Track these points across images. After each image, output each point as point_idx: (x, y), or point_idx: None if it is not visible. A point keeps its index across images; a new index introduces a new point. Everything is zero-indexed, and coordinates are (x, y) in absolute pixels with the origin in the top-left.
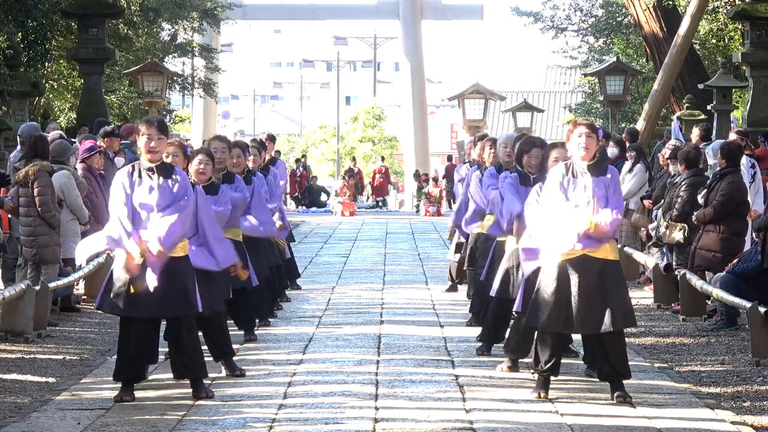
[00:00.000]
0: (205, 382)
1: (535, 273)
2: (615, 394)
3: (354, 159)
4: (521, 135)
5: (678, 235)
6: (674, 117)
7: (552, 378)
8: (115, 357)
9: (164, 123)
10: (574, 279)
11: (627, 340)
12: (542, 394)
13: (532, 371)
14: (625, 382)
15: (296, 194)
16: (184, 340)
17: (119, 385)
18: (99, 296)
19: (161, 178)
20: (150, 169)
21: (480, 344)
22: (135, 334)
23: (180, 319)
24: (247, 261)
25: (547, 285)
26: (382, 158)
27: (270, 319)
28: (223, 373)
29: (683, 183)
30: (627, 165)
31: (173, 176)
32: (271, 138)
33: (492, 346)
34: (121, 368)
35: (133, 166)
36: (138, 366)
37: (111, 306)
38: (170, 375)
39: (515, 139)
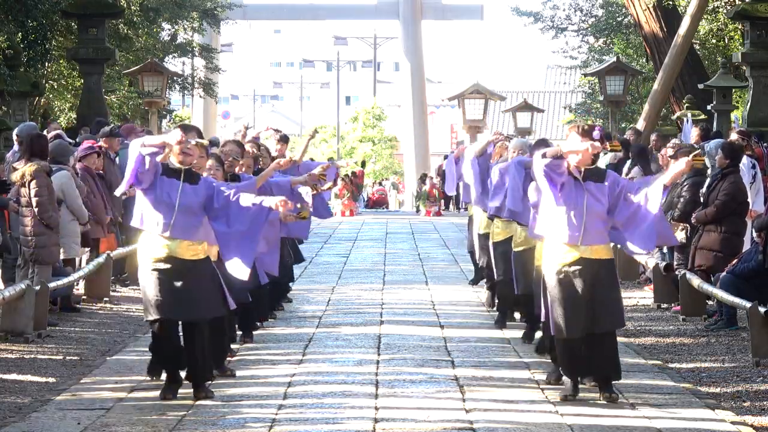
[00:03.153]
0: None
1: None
2: (603, 394)
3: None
4: (541, 140)
5: (680, 236)
6: (687, 116)
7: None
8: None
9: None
10: (577, 283)
11: (627, 340)
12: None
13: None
14: (625, 382)
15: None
16: (199, 342)
17: (119, 385)
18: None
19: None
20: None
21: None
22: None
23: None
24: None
25: (554, 294)
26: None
27: (270, 319)
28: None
29: (685, 183)
30: (627, 166)
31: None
32: (284, 139)
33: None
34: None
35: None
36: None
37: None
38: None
39: (533, 146)
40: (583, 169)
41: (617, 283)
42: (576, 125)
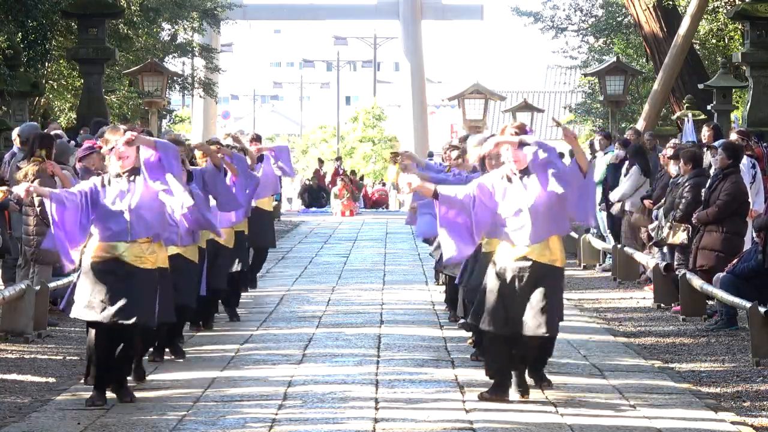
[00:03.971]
0: (205, 379)
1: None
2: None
3: (339, 159)
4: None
5: (682, 236)
6: (687, 116)
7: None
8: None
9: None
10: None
11: (627, 340)
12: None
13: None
14: (625, 381)
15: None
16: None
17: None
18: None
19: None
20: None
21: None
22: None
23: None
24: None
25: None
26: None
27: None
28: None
29: (687, 183)
30: (625, 166)
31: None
32: (256, 138)
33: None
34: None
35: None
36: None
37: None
38: (170, 375)
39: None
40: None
41: (559, 289)
42: (510, 125)
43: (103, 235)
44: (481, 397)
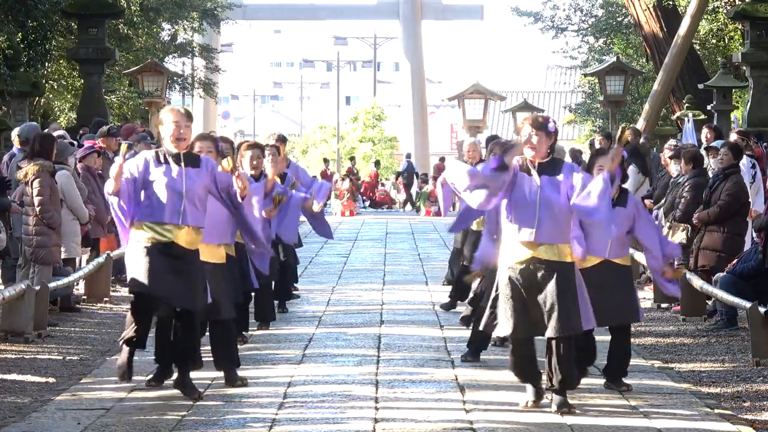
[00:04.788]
0: (205, 379)
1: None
2: (557, 406)
3: (353, 159)
4: (492, 137)
5: (682, 236)
6: (688, 116)
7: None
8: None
9: (190, 112)
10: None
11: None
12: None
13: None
14: (625, 381)
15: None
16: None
17: (119, 385)
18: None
19: (188, 167)
20: (176, 156)
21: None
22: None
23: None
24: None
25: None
26: (377, 163)
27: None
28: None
29: (687, 183)
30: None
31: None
32: (282, 139)
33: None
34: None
35: (157, 153)
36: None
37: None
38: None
39: (488, 142)
40: (537, 163)
41: (574, 285)
42: (530, 117)
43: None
44: (527, 406)
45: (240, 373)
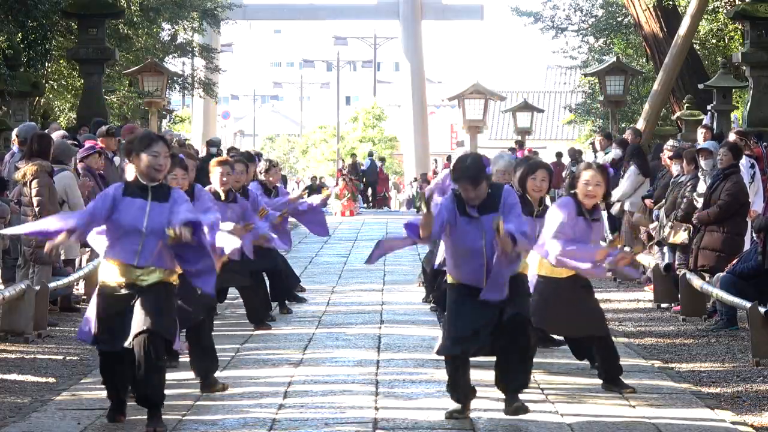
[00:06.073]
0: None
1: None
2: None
3: (354, 155)
4: (525, 158)
5: (683, 236)
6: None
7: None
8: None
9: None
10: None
11: (627, 340)
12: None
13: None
14: (625, 381)
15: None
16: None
17: None
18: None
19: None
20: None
21: None
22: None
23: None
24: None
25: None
26: (382, 160)
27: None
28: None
29: (689, 183)
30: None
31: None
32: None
33: None
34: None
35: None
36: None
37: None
38: (170, 375)
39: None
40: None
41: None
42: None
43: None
44: None
45: (240, 373)
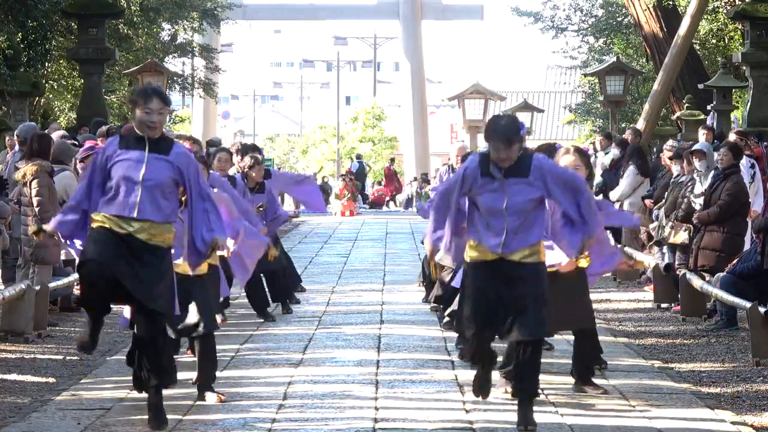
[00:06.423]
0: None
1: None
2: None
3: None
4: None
5: (683, 236)
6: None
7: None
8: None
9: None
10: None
11: (627, 340)
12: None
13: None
14: (625, 381)
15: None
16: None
17: (119, 385)
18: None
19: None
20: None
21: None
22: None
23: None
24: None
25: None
26: (392, 160)
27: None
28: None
29: (689, 183)
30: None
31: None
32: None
33: None
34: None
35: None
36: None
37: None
38: None
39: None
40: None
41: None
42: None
43: None
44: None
45: (240, 373)
